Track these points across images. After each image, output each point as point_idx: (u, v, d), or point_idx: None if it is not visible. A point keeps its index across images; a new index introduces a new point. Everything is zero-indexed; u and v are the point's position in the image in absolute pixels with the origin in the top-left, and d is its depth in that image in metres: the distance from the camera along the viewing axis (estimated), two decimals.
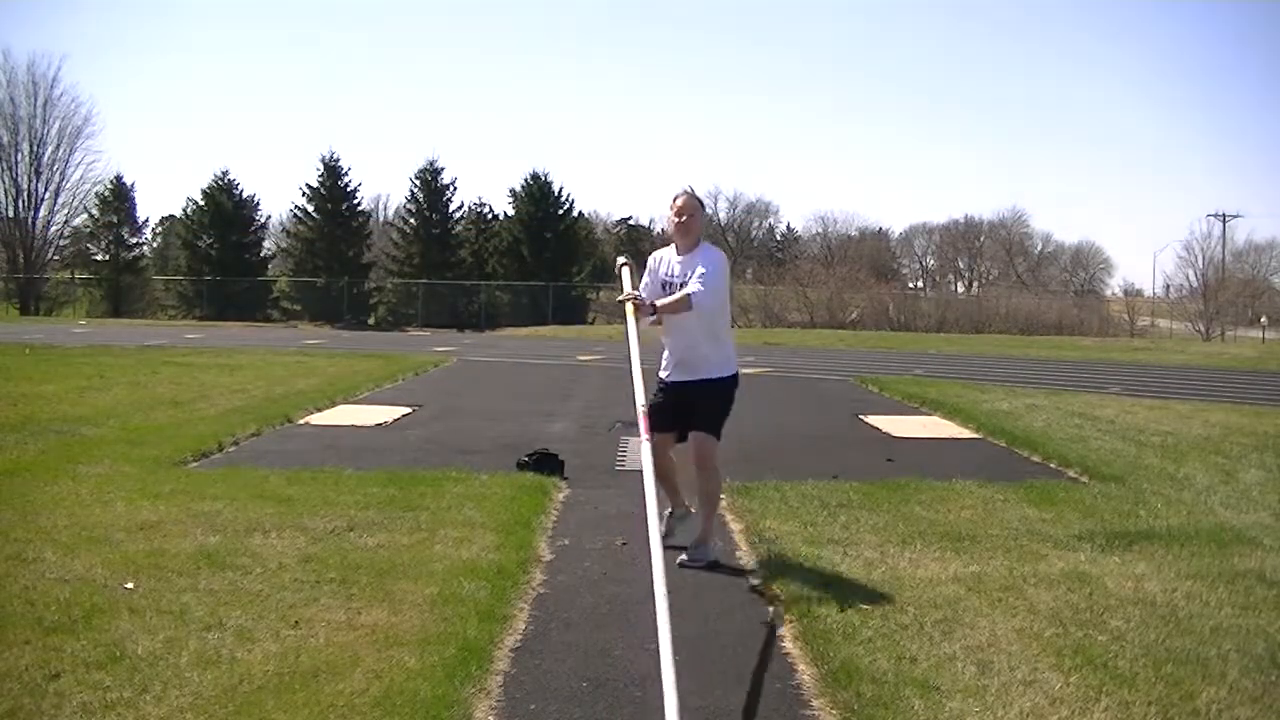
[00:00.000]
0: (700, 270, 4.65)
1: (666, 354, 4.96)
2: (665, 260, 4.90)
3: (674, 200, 4.84)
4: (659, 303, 4.69)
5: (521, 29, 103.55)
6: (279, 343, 23.48)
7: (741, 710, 3.13)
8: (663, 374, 4.96)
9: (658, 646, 2.91)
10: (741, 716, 3.10)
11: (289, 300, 44.56)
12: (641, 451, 3.99)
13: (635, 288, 4.86)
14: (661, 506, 4.96)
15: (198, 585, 4.07)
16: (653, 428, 4.70)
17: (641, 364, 4.41)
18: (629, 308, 4.67)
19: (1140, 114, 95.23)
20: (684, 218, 4.80)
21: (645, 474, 3.83)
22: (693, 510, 5.06)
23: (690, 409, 4.78)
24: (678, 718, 2.67)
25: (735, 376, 4.90)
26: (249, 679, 3.14)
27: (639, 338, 4.63)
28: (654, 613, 3.08)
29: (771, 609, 4.09)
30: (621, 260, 5.09)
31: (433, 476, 6.39)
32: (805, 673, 3.41)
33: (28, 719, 2.88)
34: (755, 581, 4.48)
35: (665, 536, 4.88)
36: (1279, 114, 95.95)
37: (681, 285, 4.71)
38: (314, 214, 44.15)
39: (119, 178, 46.43)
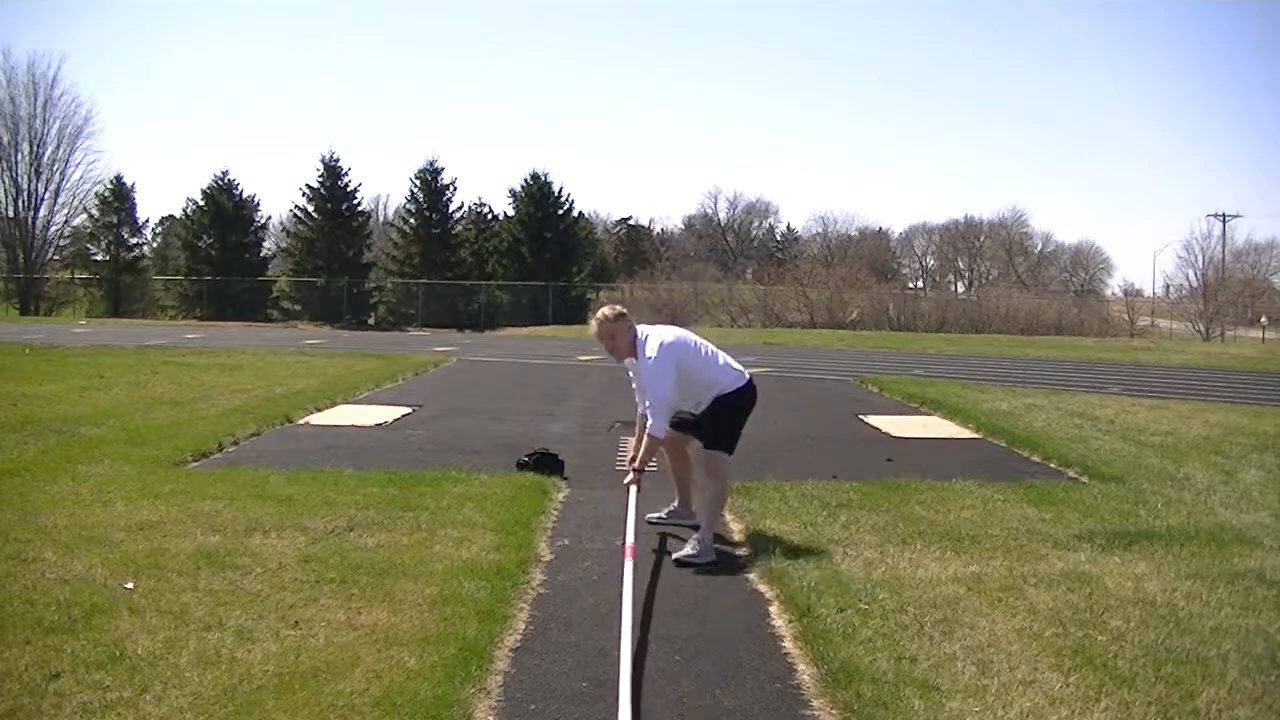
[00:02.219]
0: (647, 386, 4.93)
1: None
2: (630, 365, 5.15)
3: (590, 330, 5.16)
4: (638, 464, 5.00)
5: (521, 29, 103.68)
6: (279, 343, 23.48)
7: (740, 710, 3.13)
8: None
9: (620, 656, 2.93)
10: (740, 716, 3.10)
11: (289, 300, 44.57)
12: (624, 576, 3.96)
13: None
14: (670, 500, 5.53)
15: (198, 585, 4.07)
16: (672, 426, 5.14)
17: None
18: (633, 490, 4.94)
19: (1140, 114, 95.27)
20: (606, 343, 5.07)
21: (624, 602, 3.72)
22: (696, 510, 5.22)
23: (701, 422, 5.12)
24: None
25: (734, 393, 5.03)
26: (249, 679, 3.14)
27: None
28: (635, 620, 3.06)
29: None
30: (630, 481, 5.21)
31: (433, 476, 6.39)
32: (805, 673, 3.42)
33: (28, 719, 2.88)
34: (753, 580, 4.48)
35: (658, 521, 5.41)
36: (1279, 114, 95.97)
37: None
38: (314, 214, 44.17)
39: (119, 178, 46.55)
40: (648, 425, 4.92)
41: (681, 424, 5.11)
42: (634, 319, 5.12)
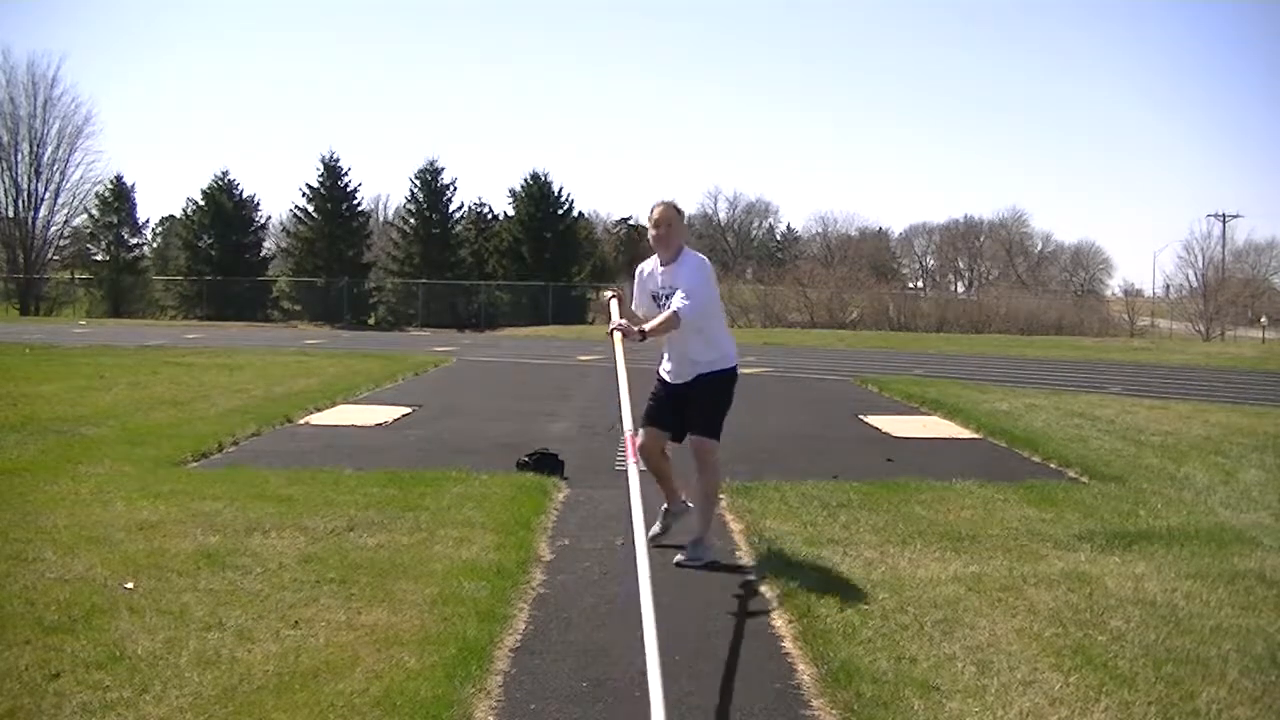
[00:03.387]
0: (685, 283, 4.70)
1: (664, 354, 5.03)
2: (651, 272, 4.97)
3: (651, 212, 4.91)
4: (647, 327, 4.71)
5: (521, 29, 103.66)
6: (279, 343, 23.49)
7: (740, 710, 3.13)
8: (661, 370, 5.03)
9: (645, 657, 2.89)
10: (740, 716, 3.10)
11: (289, 300, 44.61)
12: (629, 474, 3.82)
13: (624, 316, 4.86)
14: (659, 504, 5.13)
15: (198, 585, 4.07)
16: (650, 422, 4.94)
17: (631, 378, 4.40)
18: (616, 337, 4.70)
19: (1140, 114, 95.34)
20: (661, 229, 4.82)
21: (633, 499, 3.64)
22: (690, 504, 5.06)
23: (685, 406, 4.86)
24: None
25: (731, 371, 4.90)
26: (249, 679, 3.13)
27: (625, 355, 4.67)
28: (634, 619, 3.05)
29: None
30: (610, 293, 5.12)
31: (433, 476, 6.39)
32: (805, 673, 3.41)
33: (28, 719, 2.88)
34: (753, 580, 4.48)
35: (661, 534, 5.03)
36: (1279, 114, 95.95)
37: (668, 297, 4.77)
38: (314, 214, 44.20)
39: (119, 178, 46.61)
40: (679, 306, 4.63)
41: (659, 419, 4.90)
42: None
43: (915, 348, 26.47)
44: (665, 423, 4.92)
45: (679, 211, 4.95)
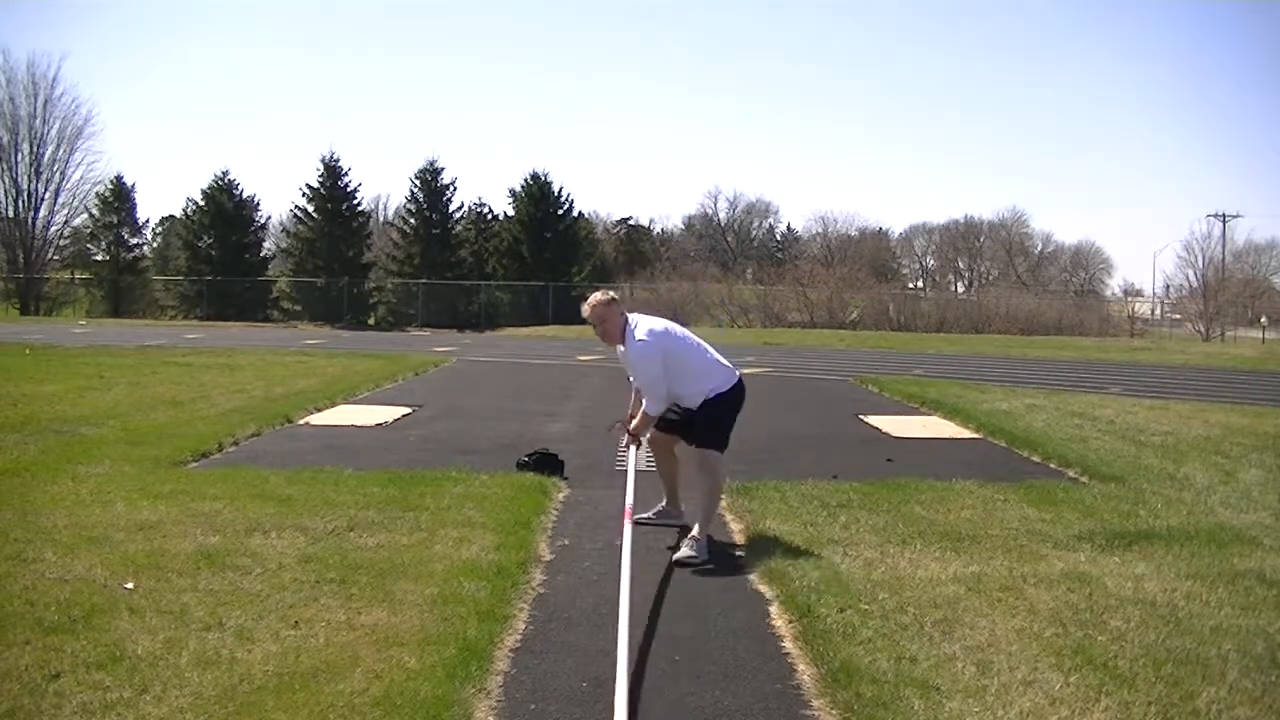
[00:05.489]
0: (639, 379, 5.02)
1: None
2: (620, 352, 5.16)
3: (582, 311, 5.11)
4: (636, 429, 5.10)
5: (521, 29, 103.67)
6: (279, 343, 23.48)
7: (740, 710, 3.13)
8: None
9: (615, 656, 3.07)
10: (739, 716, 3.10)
11: (289, 300, 44.59)
12: (624, 537, 4.14)
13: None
14: (660, 500, 5.53)
15: (198, 585, 4.07)
16: (657, 425, 5.20)
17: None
18: (631, 450, 5.20)
19: (1139, 115, 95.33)
20: (597, 328, 5.07)
21: (623, 564, 3.86)
22: (684, 515, 5.35)
23: (690, 422, 5.15)
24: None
25: (729, 392, 5.07)
26: (249, 679, 3.14)
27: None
28: (633, 619, 3.12)
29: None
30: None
31: (433, 476, 6.39)
32: (805, 673, 3.42)
33: (28, 719, 2.88)
34: (753, 580, 4.48)
35: (647, 521, 5.34)
36: (1279, 114, 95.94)
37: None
38: (314, 214, 44.19)
39: (119, 178, 46.57)
40: (644, 404, 5.00)
41: (669, 424, 5.16)
42: (625, 308, 5.21)
43: (915, 348, 26.46)
44: (671, 427, 5.20)
45: (608, 303, 5.10)
